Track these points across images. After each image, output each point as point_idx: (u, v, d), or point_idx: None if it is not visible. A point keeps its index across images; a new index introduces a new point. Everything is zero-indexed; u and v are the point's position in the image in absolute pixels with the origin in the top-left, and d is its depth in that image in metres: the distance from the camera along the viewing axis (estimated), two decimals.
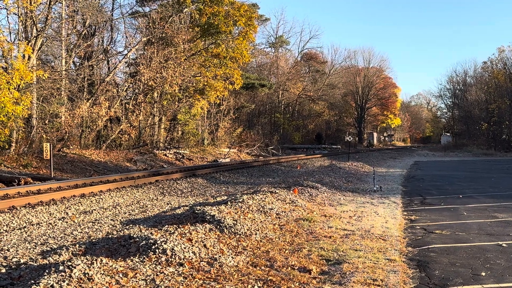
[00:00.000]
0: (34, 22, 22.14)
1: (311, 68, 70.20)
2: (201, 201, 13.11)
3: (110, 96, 28.58)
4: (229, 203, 10.36)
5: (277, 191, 12.60)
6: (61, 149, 22.31)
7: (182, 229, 7.55)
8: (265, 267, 6.33)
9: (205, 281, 5.62)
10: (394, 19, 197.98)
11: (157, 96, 31.13)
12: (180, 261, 6.24)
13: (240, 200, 10.59)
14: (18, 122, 19.81)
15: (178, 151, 29.80)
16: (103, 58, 31.77)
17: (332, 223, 9.67)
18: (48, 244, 7.97)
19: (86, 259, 5.84)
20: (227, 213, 8.97)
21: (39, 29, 22.36)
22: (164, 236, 6.99)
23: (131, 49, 30.03)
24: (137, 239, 6.89)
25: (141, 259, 6.21)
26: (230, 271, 6.09)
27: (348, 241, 8.06)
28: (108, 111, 26.82)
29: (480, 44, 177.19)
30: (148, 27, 30.59)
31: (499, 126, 55.41)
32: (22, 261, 6.73)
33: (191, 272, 5.92)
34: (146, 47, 30.26)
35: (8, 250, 7.49)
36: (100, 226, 9.51)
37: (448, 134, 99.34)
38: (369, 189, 16.30)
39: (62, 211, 11.21)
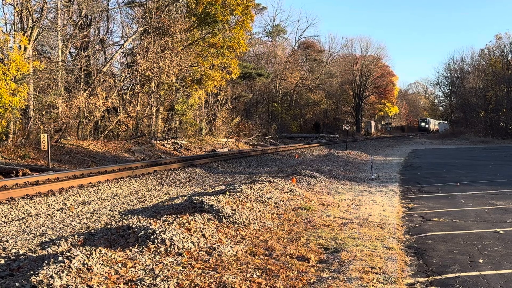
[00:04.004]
0: (30, 13, 21.98)
1: (308, 57, 69.94)
2: (199, 191, 13.13)
3: (107, 87, 28.45)
4: (227, 192, 10.38)
5: (275, 180, 12.61)
6: (59, 140, 22.26)
7: (180, 219, 7.56)
8: (264, 256, 6.36)
9: (204, 271, 5.64)
10: (391, 6, 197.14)
11: (154, 86, 31.02)
12: (179, 251, 6.26)
13: (238, 189, 10.61)
14: (15, 113, 19.75)
15: (176, 141, 29.76)
16: (100, 48, 31.60)
17: (330, 212, 9.70)
18: (47, 235, 7.98)
19: (85, 249, 5.85)
20: (225, 203, 8.99)
21: (35, 20, 22.21)
22: (162, 226, 7.01)
23: (127, 39, 29.86)
24: (136, 229, 6.91)
25: (140, 249, 6.23)
26: (229, 260, 6.11)
27: (346, 229, 8.09)
28: (106, 101, 26.71)
29: (478, 31, 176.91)
30: (144, 16, 30.38)
31: (497, 114, 55.40)
32: (21, 252, 6.73)
33: (190, 262, 5.95)
34: (142, 37, 30.08)
35: (7, 241, 7.49)
36: (99, 217, 9.52)
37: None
38: (367, 177, 16.33)
39: (60, 202, 11.21)
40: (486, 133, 54.85)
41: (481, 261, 6.24)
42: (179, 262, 5.91)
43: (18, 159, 18.18)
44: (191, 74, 32.28)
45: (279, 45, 64.69)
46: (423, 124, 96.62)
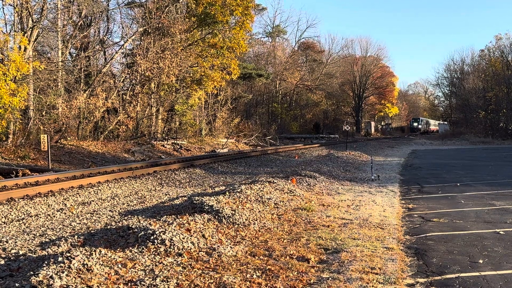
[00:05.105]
0: (30, 13, 21.99)
1: (308, 58, 69.98)
2: (199, 192, 13.12)
3: (107, 87, 28.46)
4: (227, 193, 10.37)
5: (275, 180, 12.61)
6: (59, 141, 22.26)
7: (180, 219, 7.56)
8: (264, 257, 6.36)
9: (204, 271, 5.63)
10: (391, 7, 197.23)
11: (154, 87, 31.02)
12: (179, 251, 6.26)
13: (238, 190, 10.60)
14: (15, 114, 19.74)
15: (176, 141, 29.77)
16: (100, 49, 31.61)
17: (330, 212, 9.69)
18: (46, 235, 7.98)
19: (85, 250, 5.85)
20: (225, 203, 8.98)
21: (35, 20, 22.22)
22: (162, 226, 7.01)
23: (127, 40, 29.87)
24: (136, 230, 6.90)
25: (140, 250, 6.23)
26: (229, 260, 6.11)
27: (346, 230, 8.08)
28: (105, 102, 26.72)
29: (478, 32, 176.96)
30: (144, 17, 30.40)
31: (497, 114, 55.42)
32: (21, 252, 6.73)
33: (190, 262, 5.94)
34: (142, 38, 30.10)
35: (7, 241, 7.49)
36: (99, 217, 9.51)
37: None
38: (367, 178, 16.33)
39: (60, 203, 11.20)
40: (486, 134, 54.86)
41: (481, 261, 6.24)
42: (179, 262, 5.90)
43: (18, 159, 18.18)
44: (191, 74, 32.29)
45: (279, 46, 64.67)
46: (415, 124, 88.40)
